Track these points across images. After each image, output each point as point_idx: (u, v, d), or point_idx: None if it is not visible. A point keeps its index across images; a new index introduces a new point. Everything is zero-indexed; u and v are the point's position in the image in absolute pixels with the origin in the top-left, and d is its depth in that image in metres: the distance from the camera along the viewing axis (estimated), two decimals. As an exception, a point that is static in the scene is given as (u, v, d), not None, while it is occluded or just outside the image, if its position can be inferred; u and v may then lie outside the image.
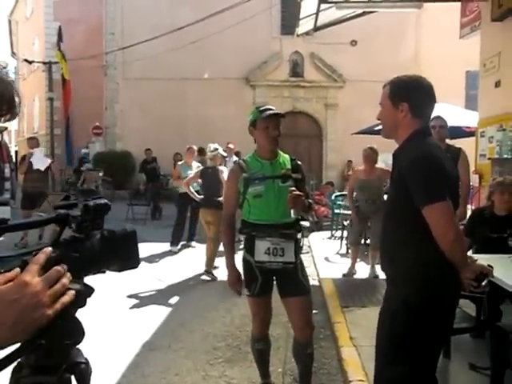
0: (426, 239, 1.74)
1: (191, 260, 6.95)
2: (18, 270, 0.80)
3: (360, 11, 7.39)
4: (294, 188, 2.60)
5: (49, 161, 7.96)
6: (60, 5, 18.37)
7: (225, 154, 6.00)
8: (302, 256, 7.05)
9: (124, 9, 15.85)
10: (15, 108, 0.89)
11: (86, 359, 1.05)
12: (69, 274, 0.85)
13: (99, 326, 4.10)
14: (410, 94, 1.88)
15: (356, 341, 3.50)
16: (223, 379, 3.18)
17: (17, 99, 0.90)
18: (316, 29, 7.77)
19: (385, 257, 2.01)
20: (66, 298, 0.80)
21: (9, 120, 0.98)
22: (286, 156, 2.83)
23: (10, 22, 25.90)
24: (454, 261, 1.75)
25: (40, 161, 7.69)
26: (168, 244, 7.66)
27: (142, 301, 4.94)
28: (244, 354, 3.48)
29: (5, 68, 0.88)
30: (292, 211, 2.60)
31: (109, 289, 5.30)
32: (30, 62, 18.48)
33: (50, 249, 0.86)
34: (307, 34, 9.80)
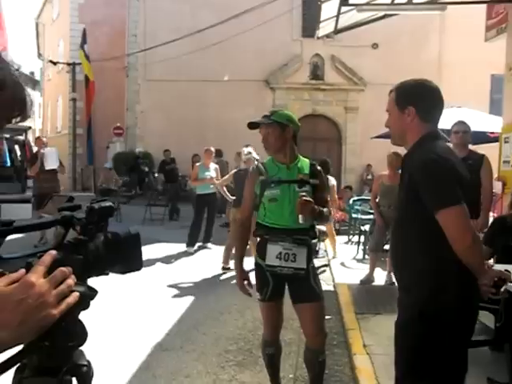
0: (439, 245, 1.69)
1: (207, 261, 6.97)
2: (23, 270, 0.80)
3: (381, 14, 7.29)
4: (304, 194, 2.56)
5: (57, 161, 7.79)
6: (85, 7, 18.76)
7: (257, 157, 6.08)
8: (318, 260, 6.99)
9: (146, 11, 16.06)
10: (26, 110, 0.90)
11: (88, 362, 1.05)
12: (73, 276, 0.85)
13: (113, 326, 4.15)
14: (416, 98, 1.86)
15: (369, 349, 3.44)
16: (233, 383, 3.16)
17: (28, 101, 0.90)
18: (336, 31, 7.71)
19: (397, 264, 1.96)
20: (71, 299, 0.80)
21: (20, 121, 0.99)
22: (306, 161, 2.80)
23: (37, 24, 26.55)
24: (470, 267, 1.68)
25: (53, 160, 7.61)
26: (184, 245, 7.70)
27: (157, 301, 4.96)
28: (255, 358, 3.46)
29: (17, 70, 0.88)
30: (300, 217, 2.56)
31: (124, 289, 5.36)
32: (55, 63, 18.91)
33: (54, 251, 0.86)
34: (328, 36, 9.75)
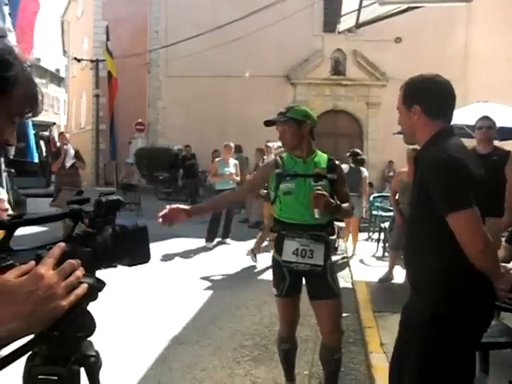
0: (451, 244, 1.64)
1: (225, 257, 7.00)
2: (33, 262, 0.81)
3: (404, 7, 7.13)
4: (319, 187, 2.54)
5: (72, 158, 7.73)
6: (109, 5, 19.00)
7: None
8: (336, 257, 6.93)
9: (168, 8, 16.17)
10: (38, 106, 0.91)
11: (96, 352, 1.06)
12: (82, 268, 0.86)
13: (132, 319, 4.21)
14: (422, 96, 1.80)
15: (386, 347, 3.39)
16: (248, 378, 3.17)
17: (40, 97, 0.92)
18: (358, 26, 7.58)
19: (409, 262, 1.91)
20: (80, 291, 0.81)
21: (32, 117, 1.00)
22: (324, 155, 2.77)
23: (62, 22, 27.10)
24: (484, 271, 1.63)
25: (70, 157, 7.64)
26: (203, 240, 7.75)
27: (175, 295, 5.01)
28: (271, 354, 3.45)
29: (30, 66, 0.90)
30: (316, 211, 2.53)
31: (144, 282, 5.43)
32: (79, 60, 19.26)
33: (63, 243, 0.87)
34: (350, 31, 9.60)
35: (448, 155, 1.66)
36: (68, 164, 7.56)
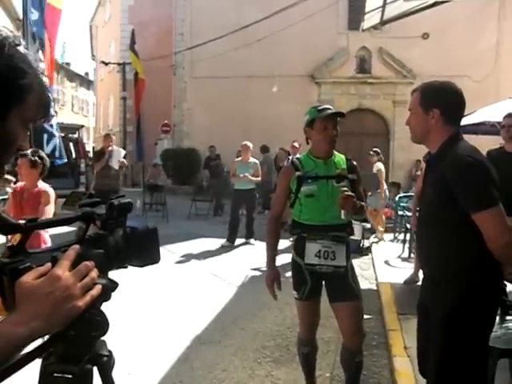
0: (470, 242, 1.76)
1: (248, 257, 7.01)
2: (49, 264, 0.84)
3: (431, 2, 6.97)
4: (346, 188, 2.51)
5: (121, 159, 7.71)
6: (135, 9, 19.38)
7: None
8: (362, 258, 6.86)
9: (192, 10, 16.34)
10: (49, 112, 0.95)
11: (109, 352, 1.08)
12: (96, 269, 0.88)
13: (155, 319, 4.27)
14: (441, 100, 1.90)
15: (410, 351, 3.31)
16: (269, 379, 3.16)
17: (52, 102, 0.95)
18: (383, 22, 7.46)
19: (427, 261, 1.99)
20: (95, 291, 0.84)
21: (44, 122, 1.03)
22: (342, 156, 2.75)
23: (90, 27, 27.79)
24: (504, 263, 1.76)
25: (115, 158, 7.55)
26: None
27: (197, 295, 5.06)
28: (292, 355, 3.44)
29: (42, 73, 0.93)
30: (342, 212, 2.52)
31: (168, 283, 5.51)
32: (107, 64, 19.68)
33: (78, 245, 0.90)
34: (375, 28, 9.44)
35: (471, 157, 1.78)
36: (114, 165, 7.45)
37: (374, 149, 8.58)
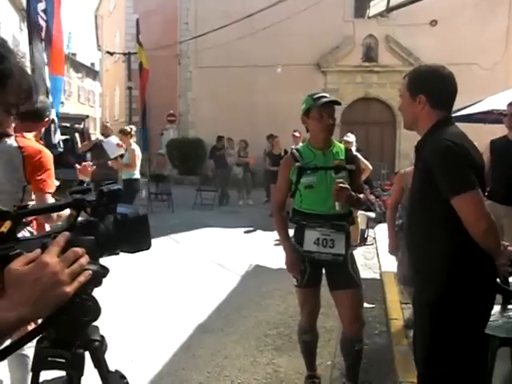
0: (455, 228, 1.71)
1: (252, 247, 7.03)
2: (39, 251, 0.85)
3: (438, -12, 6.86)
4: (341, 180, 2.51)
5: (121, 151, 7.54)
6: (139, -2, 19.25)
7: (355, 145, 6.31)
8: (366, 248, 6.84)
9: (197, -2, 16.20)
10: (32, 96, 0.94)
11: (101, 337, 1.10)
12: (87, 256, 0.88)
13: (158, 306, 4.31)
14: (428, 86, 1.85)
15: (412, 340, 3.32)
16: (270, 366, 3.19)
17: (33, 86, 0.95)
18: (389, 10, 7.34)
19: (412, 248, 1.97)
20: (83, 278, 0.84)
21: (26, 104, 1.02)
22: (341, 145, 2.74)
23: (96, 17, 27.68)
24: (488, 250, 1.70)
25: (111, 148, 7.45)
26: (232, 230, 7.83)
27: (201, 284, 5.09)
28: (294, 344, 3.45)
29: (23, 58, 0.93)
30: (336, 204, 2.52)
31: (172, 270, 5.55)
32: (112, 54, 19.62)
33: (68, 232, 0.90)
34: (382, 15, 9.32)
35: (447, 141, 1.72)
36: (112, 156, 7.32)
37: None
